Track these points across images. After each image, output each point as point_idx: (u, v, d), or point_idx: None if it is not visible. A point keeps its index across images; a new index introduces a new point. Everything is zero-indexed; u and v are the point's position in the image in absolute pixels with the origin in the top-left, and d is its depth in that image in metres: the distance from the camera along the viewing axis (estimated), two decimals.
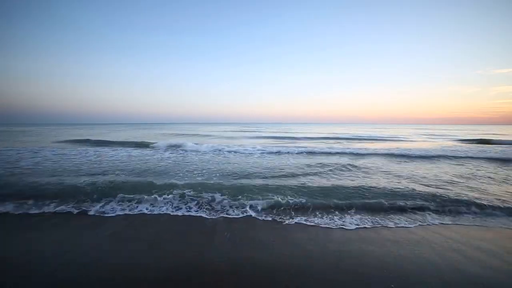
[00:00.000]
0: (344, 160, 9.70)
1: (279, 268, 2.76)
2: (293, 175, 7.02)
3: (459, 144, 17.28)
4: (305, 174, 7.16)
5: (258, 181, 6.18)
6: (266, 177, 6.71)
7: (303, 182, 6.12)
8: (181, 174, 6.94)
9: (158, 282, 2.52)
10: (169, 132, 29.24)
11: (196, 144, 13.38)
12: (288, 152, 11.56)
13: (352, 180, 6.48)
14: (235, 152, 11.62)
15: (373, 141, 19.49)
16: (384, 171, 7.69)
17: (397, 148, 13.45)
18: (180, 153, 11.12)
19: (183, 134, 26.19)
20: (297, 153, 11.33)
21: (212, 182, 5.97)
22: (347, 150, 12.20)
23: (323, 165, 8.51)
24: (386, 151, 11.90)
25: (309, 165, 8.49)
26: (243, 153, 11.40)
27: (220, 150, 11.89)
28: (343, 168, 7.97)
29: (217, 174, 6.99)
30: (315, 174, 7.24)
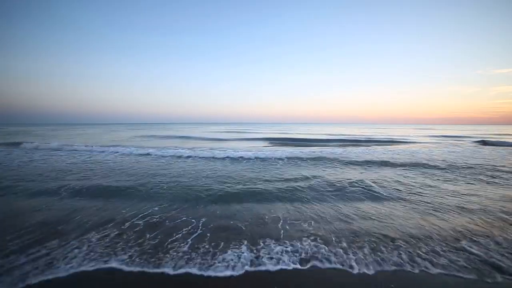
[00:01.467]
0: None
1: (279, 268, 2.76)
2: None
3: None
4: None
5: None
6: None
7: None
8: None
9: (158, 282, 2.53)
10: (147, 134, 27.40)
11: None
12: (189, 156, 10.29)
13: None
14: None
15: (379, 143, 18.49)
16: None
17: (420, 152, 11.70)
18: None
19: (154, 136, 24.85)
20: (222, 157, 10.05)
21: None
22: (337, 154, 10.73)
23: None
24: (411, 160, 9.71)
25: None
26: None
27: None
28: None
29: None
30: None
